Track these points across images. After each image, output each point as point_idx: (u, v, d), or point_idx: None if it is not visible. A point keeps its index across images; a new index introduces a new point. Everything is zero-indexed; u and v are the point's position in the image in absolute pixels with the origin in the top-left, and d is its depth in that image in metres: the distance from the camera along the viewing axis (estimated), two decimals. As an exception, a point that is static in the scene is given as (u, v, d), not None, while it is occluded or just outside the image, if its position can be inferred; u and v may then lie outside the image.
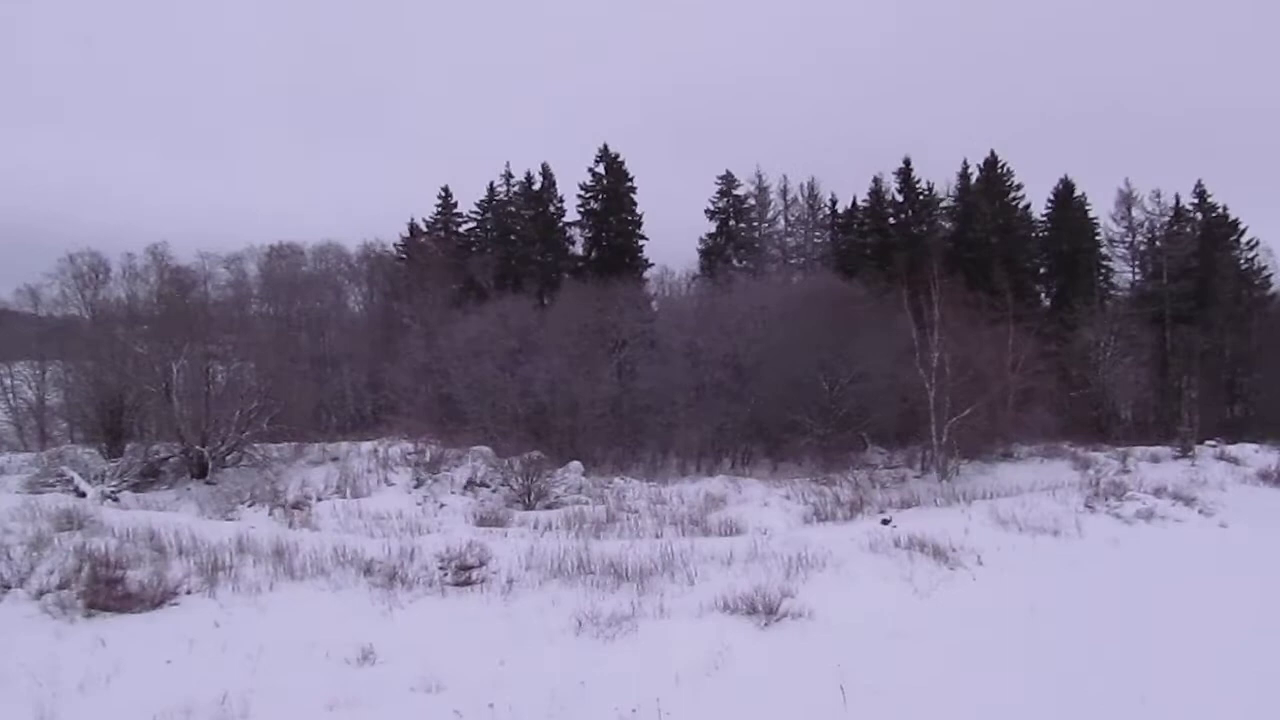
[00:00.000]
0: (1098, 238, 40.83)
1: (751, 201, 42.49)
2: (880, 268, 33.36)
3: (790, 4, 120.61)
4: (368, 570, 9.50)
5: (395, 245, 42.56)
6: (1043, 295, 40.97)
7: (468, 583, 9.41)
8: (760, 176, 42.58)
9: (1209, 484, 17.81)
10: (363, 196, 69.38)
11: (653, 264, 41.60)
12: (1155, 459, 22.97)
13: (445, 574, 9.55)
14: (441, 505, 17.90)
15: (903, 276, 23.92)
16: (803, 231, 43.56)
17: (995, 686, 6.91)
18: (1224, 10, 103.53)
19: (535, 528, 13.97)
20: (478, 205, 42.41)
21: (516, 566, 9.95)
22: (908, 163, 41.31)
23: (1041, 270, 41.35)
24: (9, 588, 8.15)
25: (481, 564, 9.90)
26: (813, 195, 43.06)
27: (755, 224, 42.65)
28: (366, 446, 21.65)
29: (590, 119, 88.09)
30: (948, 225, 41.35)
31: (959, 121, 74.54)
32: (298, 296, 41.05)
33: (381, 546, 10.49)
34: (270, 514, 15.93)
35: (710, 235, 41.93)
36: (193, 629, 7.56)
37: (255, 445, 21.63)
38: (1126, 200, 40.44)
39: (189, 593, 8.51)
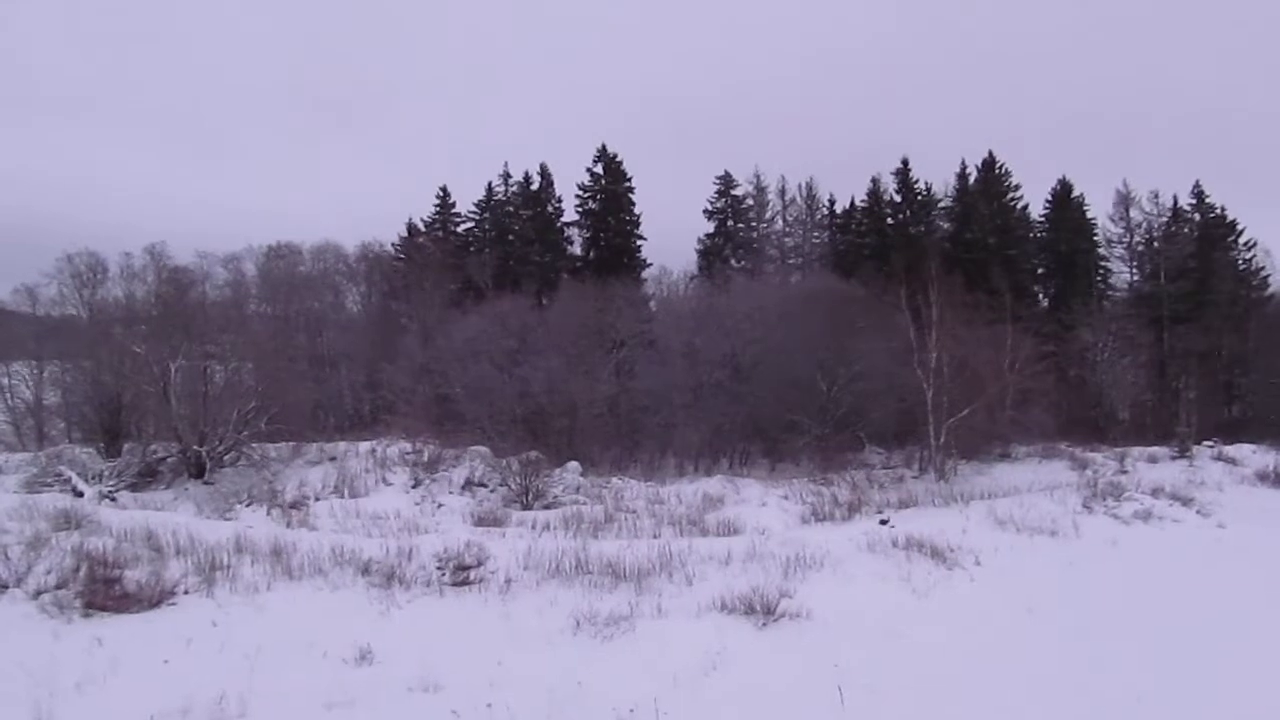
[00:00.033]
0: (1096, 238, 40.91)
1: (750, 202, 42.58)
2: (878, 268, 33.31)
3: (789, 4, 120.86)
4: (365, 570, 9.49)
5: (393, 245, 42.60)
6: (1041, 296, 41.05)
7: (466, 583, 9.39)
8: (759, 177, 42.75)
9: (1207, 484, 17.83)
10: (361, 196, 69.69)
11: (651, 264, 41.80)
12: (1153, 459, 22.99)
13: (443, 574, 9.53)
14: (439, 505, 17.89)
15: (901, 277, 23.90)
16: (801, 232, 43.63)
17: (993, 687, 6.92)
18: (1222, 12, 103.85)
19: (533, 528, 13.95)
20: (476, 205, 42.45)
21: (514, 567, 9.94)
22: (906, 163, 41.44)
23: (1039, 271, 41.41)
24: (6, 587, 8.13)
25: (479, 564, 9.88)
26: (811, 195, 43.19)
27: (753, 224, 42.72)
28: (364, 446, 21.62)
29: (589, 119, 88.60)
30: (946, 226, 41.42)
31: (957, 122, 74.89)
32: (296, 296, 41.00)
33: (379, 546, 10.47)
34: (268, 514, 15.90)
35: (708, 235, 42.01)
36: (190, 629, 7.54)
37: (253, 445, 21.60)
38: (1124, 201, 40.51)
39: (186, 592, 8.49)
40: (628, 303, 32.07)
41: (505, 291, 34.77)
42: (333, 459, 21.02)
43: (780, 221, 43.58)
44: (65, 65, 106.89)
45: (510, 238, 41.40)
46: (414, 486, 19.17)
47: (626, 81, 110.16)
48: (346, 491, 18.21)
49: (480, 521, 15.48)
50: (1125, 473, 20.24)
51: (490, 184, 42.20)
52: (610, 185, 41.10)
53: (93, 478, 18.65)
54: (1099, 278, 40.60)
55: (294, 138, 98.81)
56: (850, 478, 21.28)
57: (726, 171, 42.27)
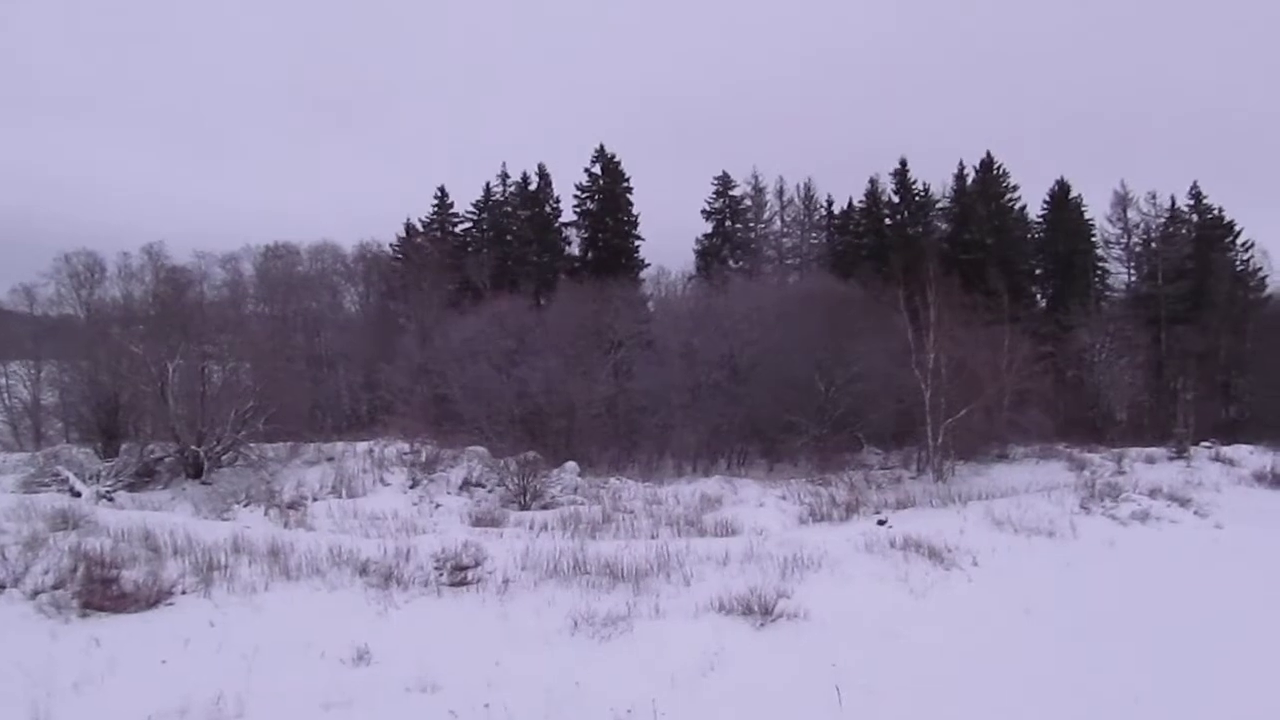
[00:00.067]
0: (1093, 239, 41.01)
1: (748, 202, 42.64)
2: (876, 269, 33.40)
3: (789, 4, 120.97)
4: (363, 570, 9.48)
5: (391, 245, 42.62)
6: (1038, 296, 41.13)
7: (463, 583, 9.38)
8: (757, 177, 42.84)
9: (1204, 485, 17.88)
10: (360, 196, 69.77)
11: (649, 264, 41.85)
12: (1150, 460, 23.01)
13: (441, 574, 9.52)
14: (437, 505, 17.87)
15: (899, 277, 23.95)
16: (799, 232, 43.70)
17: (990, 687, 6.93)
18: (1222, 12, 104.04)
19: (531, 528, 13.94)
20: (474, 205, 42.46)
21: (512, 567, 9.93)
22: (904, 164, 41.51)
23: (1037, 271, 41.50)
24: (4, 587, 8.11)
25: (477, 564, 9.87)
26: (809, 196, 43.25)
27: (751, 225, 42.77)
28: (362, 447, 21.60)
29: (588, 119, 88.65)
30: (944, 226, 41.49)
31: (956, 122, 75.00)
32: (293, 296, 41.00)
33: (377, 547, 10.46)
34: (265, 514, 15.87)
35: (706, 236, 42.05)
36: (188, 629, 7.53)
37: (251, 445, 21.57)
38: (1122, 202, 40.63)
39: (184, 593, 8.47)
40: (626, 303, 32.06)
41: (503, 292, 34.78)
42: (330, 459, 21.00)
43: (778, 222, 43.71)
44: (65, 65, 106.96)
45: (508, 238, 41.42)
46: (412, 487, 19.14)
47: (626, 81, 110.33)
48: (344, 492, 18.18)
49: (478, 522, 15.47)
50: (1123, 473, 20.26)
51: (488, 184, 42.29)
52: (608, 185, 41.12)
53: (90, 478, 18.61)
54: (1097, 278, 40.68)
55: (294, 138, 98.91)
56: (848, 478, 21.26)
57: (725, 172, 42.41)
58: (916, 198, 41.34)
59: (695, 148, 78.88)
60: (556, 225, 41.82)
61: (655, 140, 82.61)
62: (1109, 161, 70.88)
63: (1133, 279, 41.05)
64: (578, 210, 41.58)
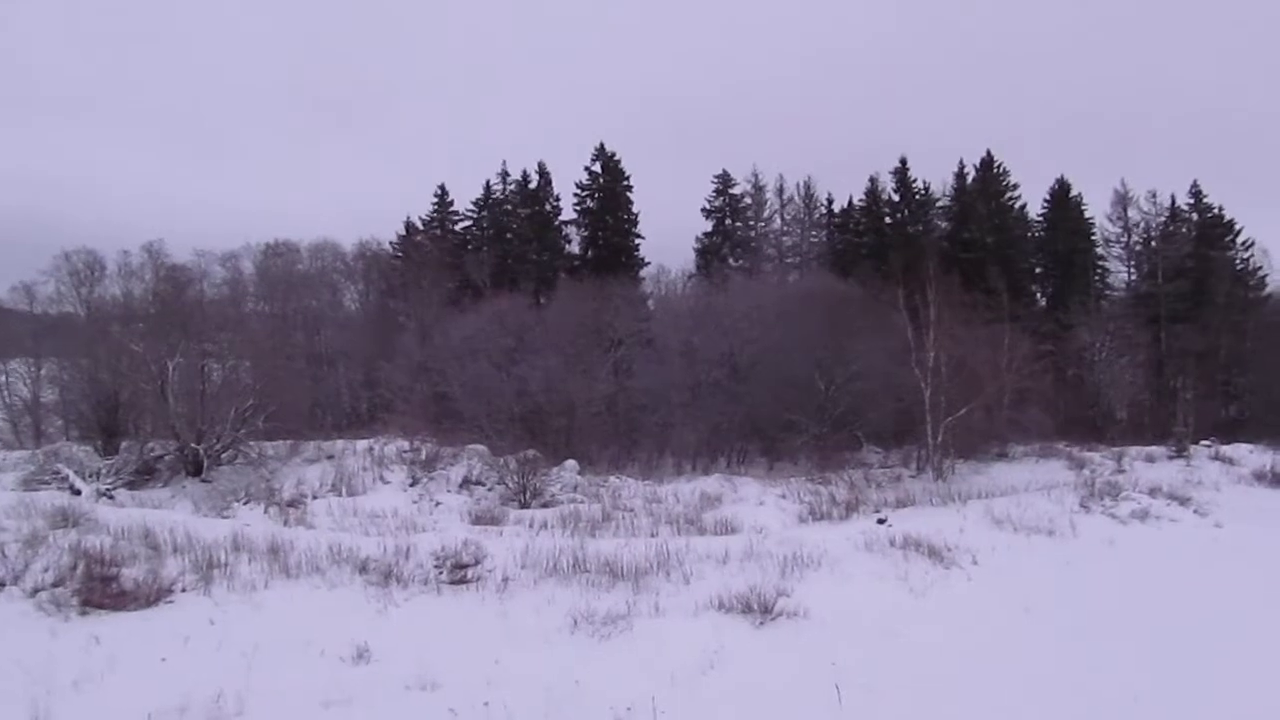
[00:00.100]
0: (1093, 238, 40.97)
1: (748, 201, 42.58)
2: (876, 267, 33.37)
3: (789, 4, 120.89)
4: (363, 568, 9.48)
5: (391, 243, 42.58)
6: (1038, 295, 41.10)
7: (463, 581, 9.39)
8: (757, 176, 42.77)
9: (1204, 484, 17.88)
10: (360, 196, 69.72)
11: (649, 263, 41.79)
12: (1150, 459, 23.00)
13: (440, 572, 9.52)
14: (437, 504, 17.88)
15: (899, 276, 23.92)
16: (799, 231, 43.64)
17: (990, 686, 6.93)
18: (1222, 12, 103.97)
19: (531, 526, 13.95)
20: (474, 204, 42.41)
21: (512, 565, 9.94)
22: (904, 162, 41.45)
23: (1037, 270, 41.46)
24: (3, 585, 8.12)
25: (477, 562, 9.87)
26: (809, 195, 43.18)
27: (751, 223, 42.72)
28: (362, 445, 21.61)
29: (588, 119, 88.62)
30: (944, 225, 41.44)
31: (956, 122, 74.96)
32: (293, 294, 40.94)
33: (377, 545, 10.47)
34: (265, 512, 15.89)
35: (706, 234, 42.00)
36: (188, 627, 7.53)
37: (250, 443, 21.60)
38: (1122, 200, 40.59)
39: (184, 590, 8.48)
40: (626, 301, 32.05)
41: (503, 290, 34.75)
42: (330, 457, 21.01)
43: (778, 220, 43.63)
44: (65, 65, 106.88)
45: (508, 236, 41.38)
46: (411, 485, 19.15)
47: (626, 81, 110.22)
48: (344, 490, 18.20)
49: (478, 520, 15.48)
50: (1122, 472, 20.27)
51: (488, 182, 42.21)
52: (608, 184, 41.08)
53: (90, 475, 18.62)
54: (1097, 277, 40.64)
55: (294, 138, 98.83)
56: (848, 477, 21.25)
57: (725, 170, 42.34)
58: (917, 196, 41.29)
59: (695, 147, 78.92)
60: (557, 223, 41.77)
61: (655, 140, 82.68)
62: (1109, 161, 70.97)
63: (1133, 278, 41.05)
64: (578, 208, 41.54)
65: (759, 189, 42.62)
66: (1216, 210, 39.48)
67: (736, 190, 42.27)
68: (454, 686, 6.57)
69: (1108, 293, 40.95)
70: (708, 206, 42.11)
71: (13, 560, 8.55)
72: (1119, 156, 69.10)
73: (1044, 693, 6.78)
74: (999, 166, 41.14)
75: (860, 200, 42.23)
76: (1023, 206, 41.20)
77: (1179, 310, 37.01)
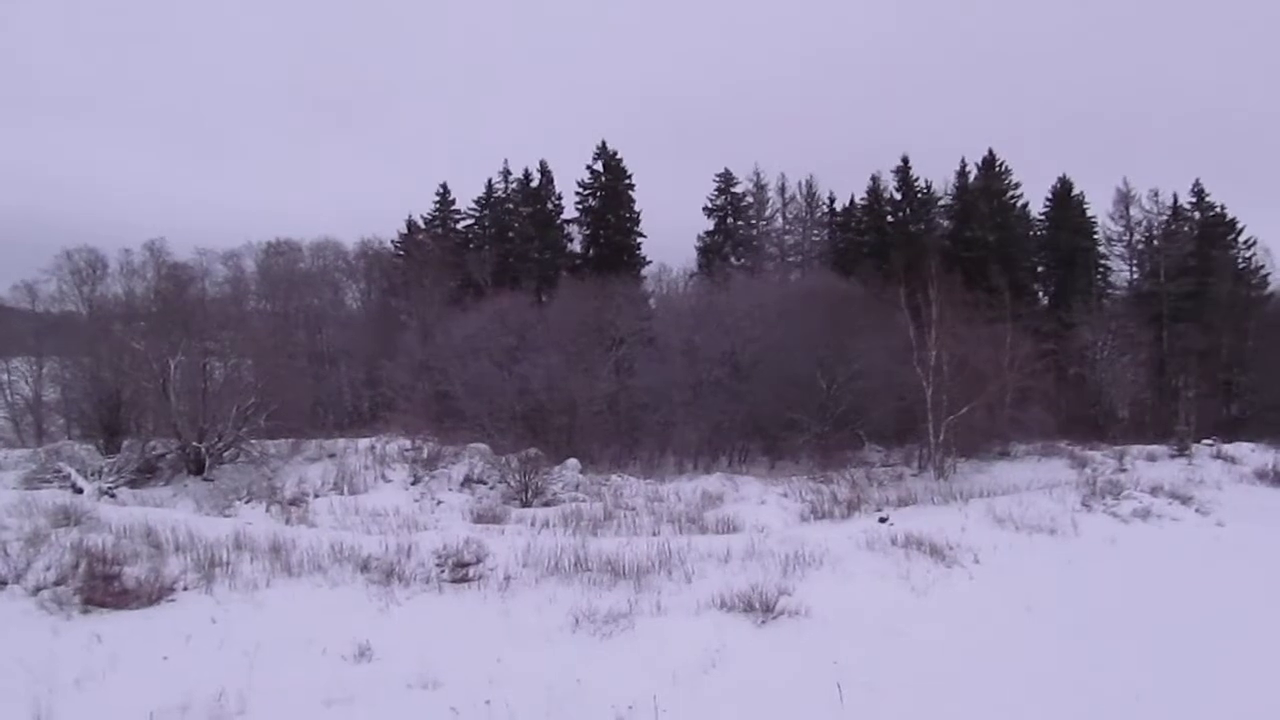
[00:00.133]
0: (1096, 237, 40.87)
1: (750, 199, 42.53)
2: (878, 266, 33.31)
3: (789, 4, 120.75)
4: (365, 567, 9.49)
5: (393, 242, 42.51)
6: (1040, 294, 41.03)
7: (465, 580, 9.39)
8: (758, 174, 42.72)
9: (1206, 483, 17.86)
10: (361, 195, 69.69)
11: (651, 262, 41.72)
12: (1152, 458, 22.99)
13: (442, 571, 9.52)
14: (439, 502, 17.91)
15: (900, 275, 23.92)
16: (801, 230, 43.58)
17: (992, 685, 6.93)
18: (1222, 12, 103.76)
19: (532, 525, 13.96)
20: (476, 202, 42.38)
21: (513, 564, 9.94)
22: (906, 161, 41.37)
23: (1039, 269, 41.39)
24: (5, 584, 8.12)
25: (478, 561, 9.87)
26: (811, 193, 43.13)
27: (753, 222, 42.68)
28: (364, 443, 21.64)
29: (589, 119, 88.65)
30: (946, 224, 41.38)
31: (957, 121, 74.85)
32: (295, 293, 40.93)
33: (379, 543, 10.47)
34: (267, 510, 15.92)
35: (708, 233, 41.95)
36: (189, 625, 7.53)
37: (252, 442, 21.62)
38: (1124, 199, 40.49)
39: (186, 589, 8.48)
40: (627, 300, 32.03)
41: (505, 289, 34.71)
42: (332, 456, 21.04)
43: (780, 219, 43.57)
44: (65, 65, 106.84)
45: (510, 235, 41.34)
46: (413, 483, 19.18)
47: (626, 81, 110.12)
48: (346, 488, 18.23)
49: (479, 518, 15.50)
50: (1124, 471, 20.24)
51: (490, 181, 42.17)
52: (610, 182, 41.03)
53: (92, 474, 18.65)
54: (1099, 276, 40.55)
55: (294, 138, 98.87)
56: (849, 476, 21.28)
57: (726, 169, 42.26)
58: (918, 195, 41.23)
59: (696, 147, 78.92)
60: (558, 222, 41.72)
61: (656, 140, 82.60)
62: (1110, 161, 70.87)
63: (1135, 276, 40.95)
64: (579, 207, 41.50)
65: (761, 188, 42.60)
66: (1218, 209, 39.42)
67: (738, 189, 42.26)
68: (456, 685, 6.57)
69: (1110, 291, 40.86)
70: (709, 205, 42.09)
71: (15, 559, 8.56)
72: (1120, 156, 68.98)
73: (1046, 691, 6.77)
74: (1001, 165, 41.06)
75: (862, 199, 42.19)
76: (1024, 205, 41.16)
77: (1181, 309, 36.94)
